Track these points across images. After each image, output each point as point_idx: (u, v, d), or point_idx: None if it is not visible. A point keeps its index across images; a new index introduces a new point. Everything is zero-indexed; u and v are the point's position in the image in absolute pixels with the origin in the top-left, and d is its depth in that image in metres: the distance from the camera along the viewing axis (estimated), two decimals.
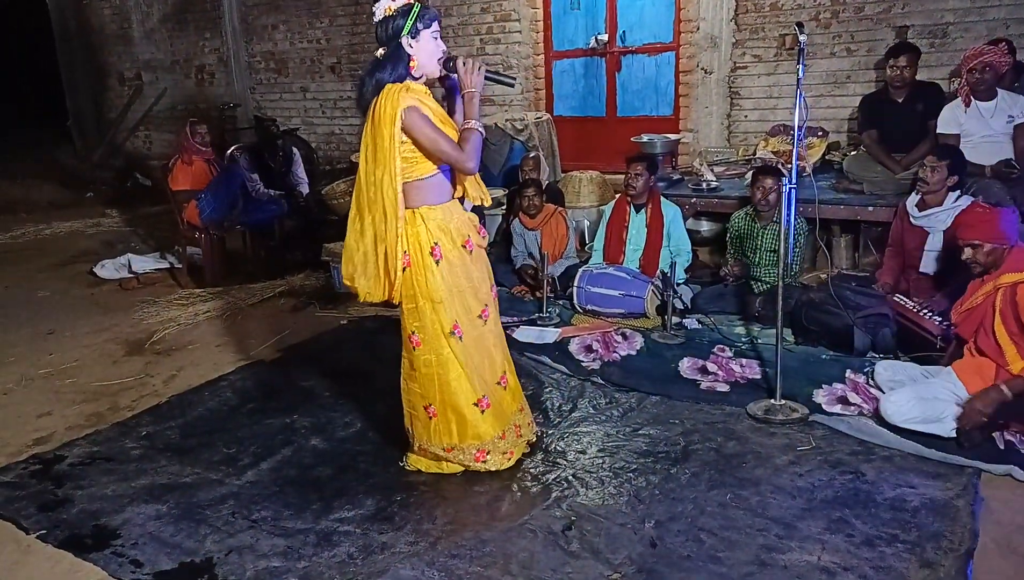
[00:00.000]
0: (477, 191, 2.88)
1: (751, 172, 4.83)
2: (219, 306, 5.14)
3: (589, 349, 4.09)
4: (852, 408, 3.29)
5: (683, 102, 6.45)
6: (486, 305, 2.89)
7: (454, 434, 2.87)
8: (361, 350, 4.32)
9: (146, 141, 10.71)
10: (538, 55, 7.12)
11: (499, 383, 2.95)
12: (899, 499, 2.66)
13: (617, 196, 5.09)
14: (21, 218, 8.54)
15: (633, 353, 4.05)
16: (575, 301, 4.68)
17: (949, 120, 4.54)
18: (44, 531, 2.72)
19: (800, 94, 3.10)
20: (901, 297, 4.03)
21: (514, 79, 2.77)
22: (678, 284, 4.50)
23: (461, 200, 2.89)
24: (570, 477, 2.90)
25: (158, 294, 5.50)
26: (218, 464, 3.13)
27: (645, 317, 4.52)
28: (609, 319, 4.53)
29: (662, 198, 4.88)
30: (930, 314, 3.77)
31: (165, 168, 6.05)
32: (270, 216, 5.95)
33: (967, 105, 4.45)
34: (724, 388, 3.61)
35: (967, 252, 3.17)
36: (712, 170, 5.73)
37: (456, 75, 2.73)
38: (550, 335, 4.29)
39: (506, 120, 6.24)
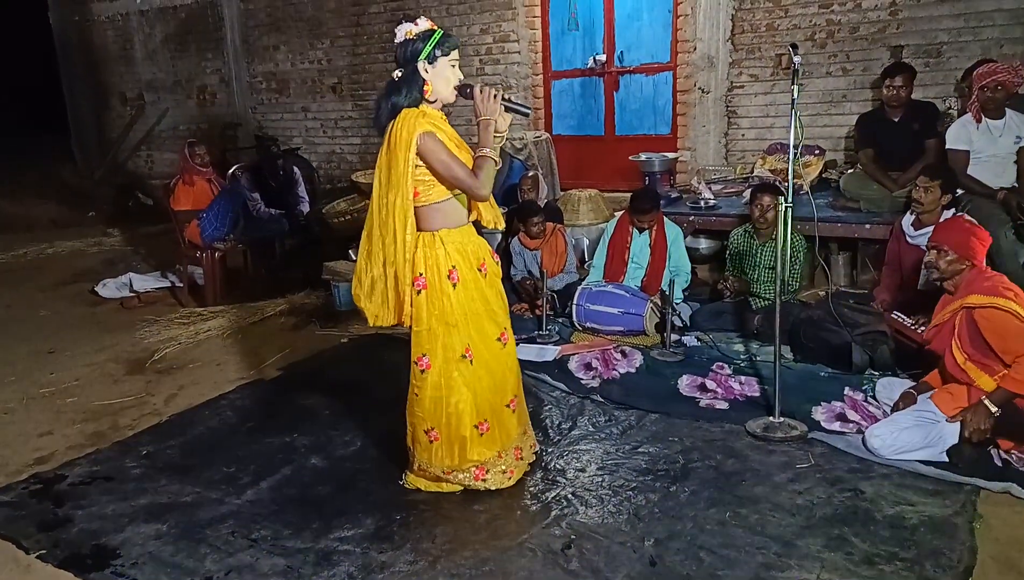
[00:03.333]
0: (491, 214, 2.92)
1: (749, 190, 4.87)
2: (220, 325, 5.15)
3: (588, 367, 4.10)
4: (851, 425, 3.29)
5: (681, 121, 6.51)
6: (505, 329, 2.90)
7: (455, 457, 2.87)
8: (361, 368, 4.33)
9: (147, 161, 10.78)
10: (537, 75, 7.19)
11: (508, 406, 2.95)
12: (898, 517, 2.67)
13: (618, 214, 5.12)
14: (23, 236, 8.57)
15: (632, 371, 4.07)
16: (574, 319, 4.69)
17: (959, 135, 4.51)
18: (44, 551, 2.71)
19: (795, 113, 3.13)
20: (899, 314, 4.04)
21: (530, 109, 2.82)
22: (677, 302, 4.52)
23: (475, 224, 2.92)
24: (569, 495, 2.91)
25: (159, 313, 5.52)
26: (218, 483, 3.13)
27: (644, 335, 4.53)
28: (608, 337, 4.55)
29: (665, 218, 4.92)
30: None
31: (167, 188, 6.10)
32: (271, 235, 5.98)
33: (978, 122, 4.46)
34: (723, 405, 3.62)
35: (931, 254, 3.19)
36: (710, 188, 5.78)
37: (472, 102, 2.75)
38: (549, 353, 4.30)
39: (505, 139, 6.27)
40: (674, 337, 4.35)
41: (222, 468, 3.26)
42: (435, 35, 2.68)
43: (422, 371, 2.81)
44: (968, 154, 4.48)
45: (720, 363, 4.04)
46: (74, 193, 10.66)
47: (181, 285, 5.98)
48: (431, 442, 2.86)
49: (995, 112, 4.42)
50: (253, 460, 3.32)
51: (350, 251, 6.32)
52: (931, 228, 4.05)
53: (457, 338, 2.77)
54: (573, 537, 2.65)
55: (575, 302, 4.68)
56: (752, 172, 5.91)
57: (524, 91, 7.19)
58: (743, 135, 6.28)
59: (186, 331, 5.06)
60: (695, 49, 6.29)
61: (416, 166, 2.65)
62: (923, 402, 3.08)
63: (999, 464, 2.91)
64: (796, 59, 3.09)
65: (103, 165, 11.01)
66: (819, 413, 3.42)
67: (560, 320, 4.84)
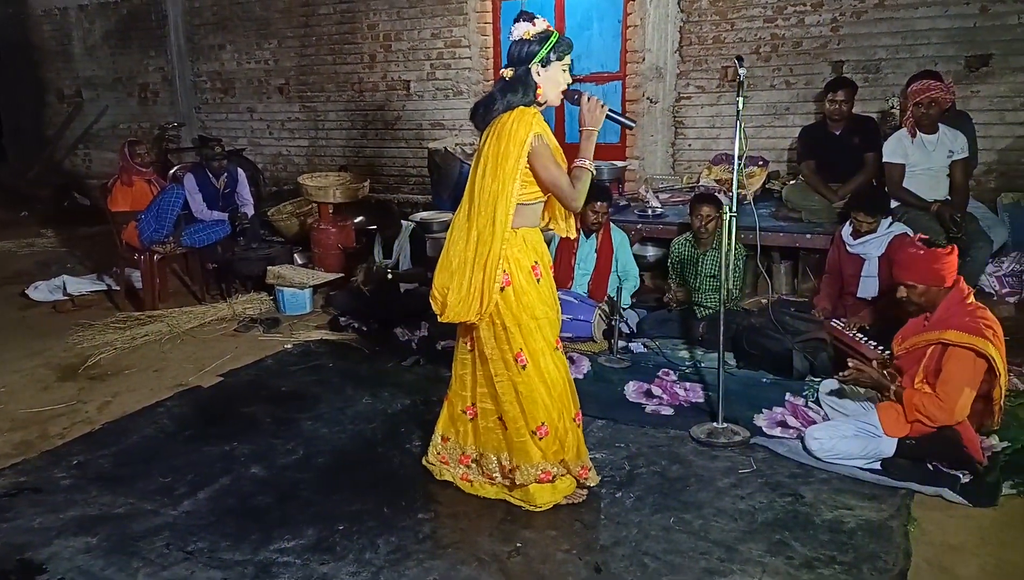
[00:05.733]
0: (566, 223, 2.90)
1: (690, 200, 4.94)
2: (158, 330, 4.99)
3: None
4: (791, 431, 3.35)
5: (629, 130, 6.57)
6: (557, 337, 2.86)
7: (568, 448, 2.82)
8: (305, 375, 4.25)
9: (85, 160, 10.44)
10: (488, 81, 7.18)
11: (573, 419, 2.88)
12: (836, 521, 2.72)
13: None
14: None
15: (580, 377, 4.07)
16: None
17: (896, 149, 4.65)
18: None
19: (740, 125, 3.19)
20: (838, 322, 4.14)
21: (635, 121, 2.78)
22: (624, 309, 4.55)
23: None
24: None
25: (94, 317, 5.32)
26: (153, 494, 3.03)
27: (592, 341, 4.55)
28: None
29: (612, 224, 4.95)
30: (865, 339, 3.88)
31: (104, 188, 5.91)
32: (213, 237, 5.84)
33: (913, 136, 4.59)
34: (668, 411, 3.65)
35: (901, 291, 3.17)
36: (657, 197, 5.85)
37: (578, 109, 2.73)
38: None
39: (456, 144, 6.26)
40: (621, 343, 4.38)
41: (157, 478, 3.15)
42: (551, 38, 2.63)
43: (523, 367, 2.72)
44: (904, 167, 4.62)
45: (666, 370, 4.08)
46: (7, 192, 10.26)
47: (118, 288, 5.80)
48: (540, 438, 2.76)
49: (929, 127, 4.57)
50: (190, 469, 3.22)
51: (296, 255, 6.22)
52: (869, 237, 4.19)
53: (548, 331, 2.74)
54: (519, 545, 2.64)
55: None
56: (698, 182, 6.00)
57: (475, 97, 7.17)
58: (689, 145, 6.39)
59: (122, 336, 4.89)
60: (644, 60, 6.37)
61: (524, 166, 2.62)
62: (869, 415, 3.13)
63: (931, 469, 2.99)
64: (741, 71, 3.14)
65: (38, 164, 10.62)
66: (761, 419, 3.47)
67: None
